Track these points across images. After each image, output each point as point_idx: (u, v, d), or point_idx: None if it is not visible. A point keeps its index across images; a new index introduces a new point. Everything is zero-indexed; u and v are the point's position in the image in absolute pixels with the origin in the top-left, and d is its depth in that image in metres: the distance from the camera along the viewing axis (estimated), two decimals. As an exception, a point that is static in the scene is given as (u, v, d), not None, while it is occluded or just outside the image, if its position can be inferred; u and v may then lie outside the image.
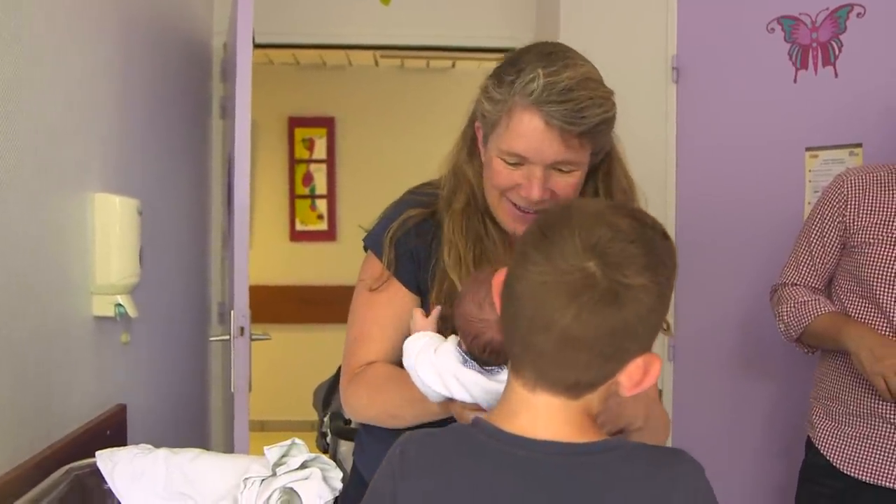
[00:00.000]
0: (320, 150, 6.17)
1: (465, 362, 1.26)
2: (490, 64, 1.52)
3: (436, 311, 1.40)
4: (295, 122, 6.16)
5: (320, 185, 6.19)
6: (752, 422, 2.88)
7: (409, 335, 1.37)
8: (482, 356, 1.26)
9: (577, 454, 1.01)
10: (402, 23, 3.88)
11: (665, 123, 3.09)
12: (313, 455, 1.71)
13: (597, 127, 1.39)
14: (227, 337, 2.76)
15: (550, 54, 1.40)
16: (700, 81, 3.01)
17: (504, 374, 1.19)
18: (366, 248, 1.60)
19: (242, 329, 2.70)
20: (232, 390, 2.73)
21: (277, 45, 4.09)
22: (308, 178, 6.17)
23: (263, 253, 5.95)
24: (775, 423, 2.80)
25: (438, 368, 1.27)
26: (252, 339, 2.74)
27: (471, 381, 1.24)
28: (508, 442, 1.01)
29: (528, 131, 1.37)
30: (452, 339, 1.32)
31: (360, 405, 1.53)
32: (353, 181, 6.11)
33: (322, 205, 6.17)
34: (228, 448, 3.06)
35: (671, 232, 3.05)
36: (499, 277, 1.07)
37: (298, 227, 6.18)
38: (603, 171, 1.53)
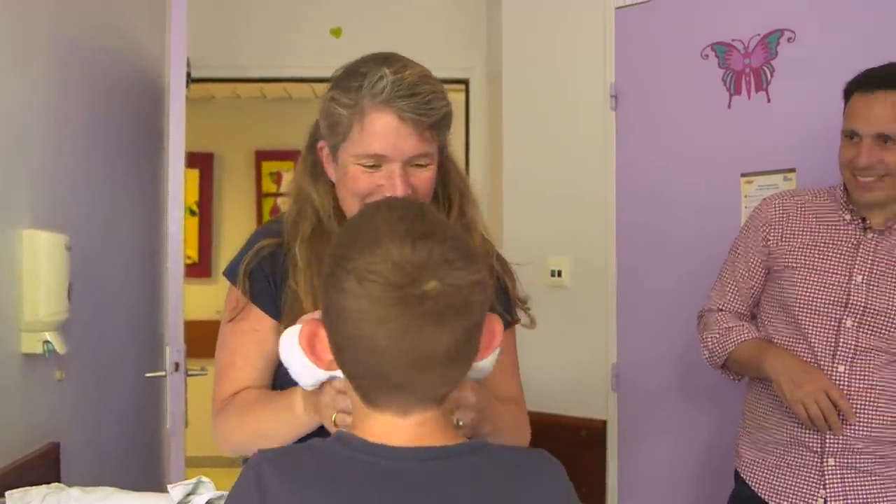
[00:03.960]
0: (288, 184, 6.16)
1: None
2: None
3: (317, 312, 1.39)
4: (262, 156, 6.17)
5: (288, 219, 6.16)
6: (693, 450, 2.86)
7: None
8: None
9: (442, 458, 1.00)
10: (358, 55, 3.89)
11: (604, 150, 3.09)
12: (219, 493, 1.69)
13: (444, 119, 1.45)
14: (163, 373, 2.73)
15: (387, 58, 1.44)
16: (638, 108, 3.01)
17: None
18: (227, 278, 1.60)
19: (177, 365, 2.68)
20: (167, 427, 2.70)
21: (219, 80, 4.14)
22: (275, 212, 6.15)
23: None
24: (714, 452, 2.77)
25: None
26: (188, 375, 2.72)
27: None
28: (372, 453, 1.00)
29: (383, 129, 1.40)
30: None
31: (232, 434, 1.51)
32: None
33: (290, 238, 6.15)
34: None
35: (612, 258, 3.09)
36: (317, 331, 1.06)
37: (266, 260, 6.15)
38: (441, 172, 1.55)
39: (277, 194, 6.18)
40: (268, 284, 1.54)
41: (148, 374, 2.85)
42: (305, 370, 1.26)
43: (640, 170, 3.01)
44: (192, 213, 5.99)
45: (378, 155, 1.42)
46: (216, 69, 3.81)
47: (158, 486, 3.53)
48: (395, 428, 1.01)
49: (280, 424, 1.41)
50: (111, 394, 3.01)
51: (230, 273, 1.58)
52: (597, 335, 3.11)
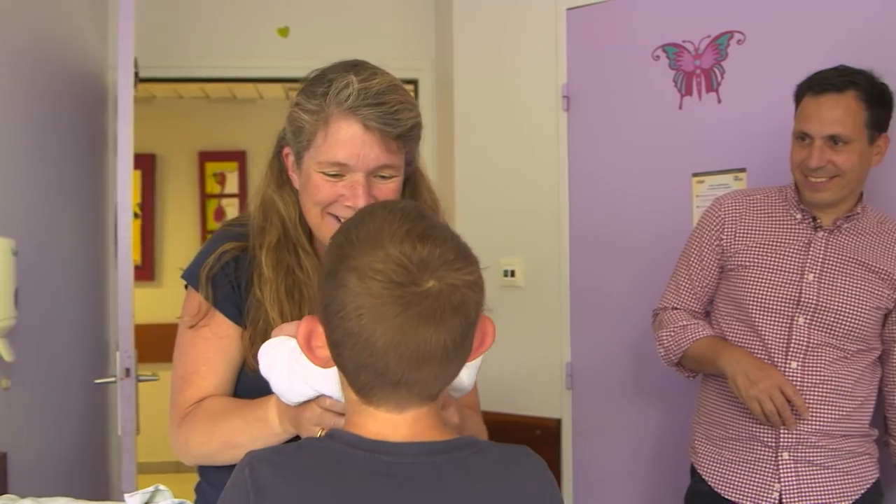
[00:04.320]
0: (232, 185, 6.09)
1: None
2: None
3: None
4: (205, 157, 6.08)
5: (232, 220, 6.09)
6: (648, 447, 2.89)
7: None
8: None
9: (440, 452, 1.02)
10: (305, 55, 3.87)
11: (557, 151, 3.10)
12: (178, 501, 1.66)
13: (411, 130, 1.42)
14: (113, 379, 2.67)
15: (356, 65, 1.41)
16: (590, 109, 3.03)
17: None
18: (186, 284, 1.56)
19: (128, 370, 2.63)
20: (119, 433, 2.65)
21: (164, 80, 4.06)
22: (220, 213, 6.07)
23: (175, 290, 5.83)
24: (668, 448, 2.81)
25: (308, 370, 1.23)
26: (139, 381, 2.67)
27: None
28: (372, 449, 1.00)
29: (348, 138, 1.37)
30: None
31: (197, 442, 1.47)
32: (266, 216, 6.04)
33: (235, 240, 6.08)
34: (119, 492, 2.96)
35: (565, 258, 3.10)
36: (314, 328, 1.05)
37: (211, 262, 6.06)
38: (410, 186, 1.54)
39: (221, 195, 6.10)
40: (232, 290, 1.50)
41: (98, 381, 2.79)
42: (293, 386, 1.25)
43: (592, 170, 3.03)
44: (135, 215, 5.88)
45: (341, 164, 1.39)
46: (159, 69, 3.74)
47: (107, 494, 3.48)
48: (391, 424, 1.02)
49: (252, 436, 1.38)
50: (58, 401, 2.93)
51: (191, 277, 1.54)
52: (551, 334, 3.12)
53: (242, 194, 6.10)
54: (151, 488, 1.67)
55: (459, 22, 3.41)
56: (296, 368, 1.24)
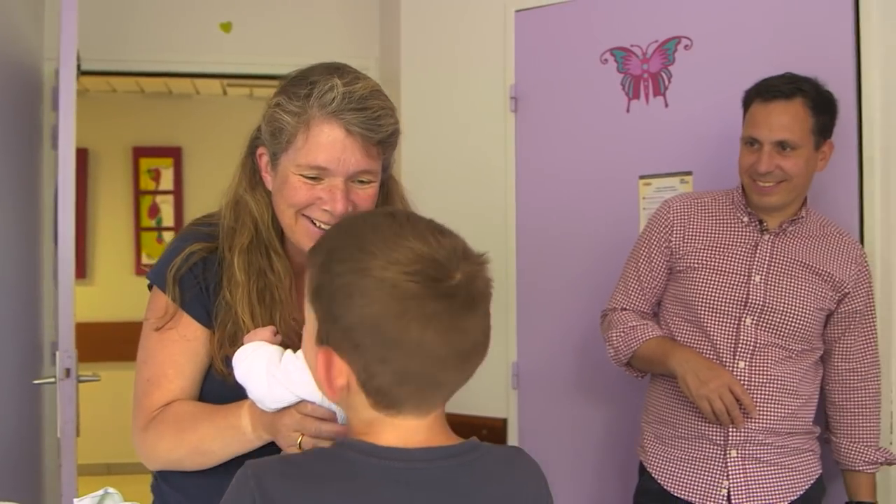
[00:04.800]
0: (167, 181, 5.99)
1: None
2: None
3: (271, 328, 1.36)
4: (139, 152, 5.97)
5: (167, 217, 6.01)
6: (595, 446, 2.91)
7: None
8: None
9: (450, 456, 1.02)
10: (245, 50, 3.83)
11: (504, 152, 3.11)
12: (127, 504, 1.62)
13: (391, 137, 1.41)
14: (53, 379, 2.60)
15: (338, 69, 1.40)
16: (538, 110, 3.05)
17: None
18: (150, 286, 1.53)
19: (68, 371, 2.56)
20: (58, 435, 2.58)
21: (106, 73, 3.97)
22: (154, 210, 5.97)
23: (107, 288, 5.74)
24: (615, 447, 2.84)
25: (288, 375, 1.23)
26: (80, 381, 2.60)
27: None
28: (384, 456, 0.99)
29: (330, 142, 1.36)
30: (290, 352, 1.27)
31: (165, 448, 1.44)
32: (203, 212, 5.94)
33: (170, 237, 5.98)
34: (58, 495, 2.88)
35: (512, 258, 3.11)
36: (330, 358, 1.00)
37: (145, 260, 5.96)
38: (383, 192, 1.53)
39: (156, 192, 5.99)
40: (200, 292, 1.47)
41: (36, 381, 2.71)
42: (272, 392, 1.24)
43: (539, 171, 3.04)
44: (66, 211, 5.74)
45: (321, 167, 1.37)
46: (96, 62, 3.64)
47: (41, 497, 3.38)
48: (412, 430, 1.01)
49: (224, 442, 1.36)
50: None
51: (157, 278, 1.50)
52: (497, 334, 3.08)
53: (178, 191, 6.00)
54: (100, 492, 1.62)
55: (407, 20, 3.39)
56: (275, 373, 1.23)
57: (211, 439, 1.38)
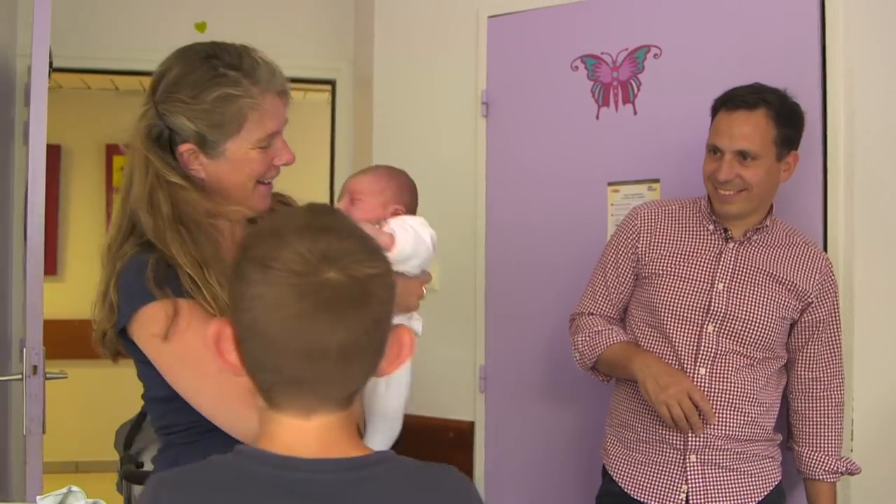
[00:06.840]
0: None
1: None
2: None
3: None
4: (113, 150, 5.93)
5: (140, 215, 5.95)
6: (560, 449, 2.94)
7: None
8: None
9: (352, 469, 0.99)
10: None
11: (475, 156, 3.13)
12: (91, 501, 1.62)
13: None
14: (20, 376, 2.59)
15: (230, 46, 1.55)
16: (508, 116, 3.07)
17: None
18: (133, 311, 1.48)
19: (35, 367, 2.55)
20: (24, 433, 2.57)
21: (80, 70, 3.96)
22: (127, 208, 5.93)
23: (79, 285, 5.70)
24: (579, 450, 2.86)
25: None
26: (47, 379, 2.59)
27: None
28: (279, 465, 0.98)
29: (274, 108, 1.54)
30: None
31: None
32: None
33: (143, 235, 5.96)
34: (21, 493, 2.87)
35: (481, 263, 3.13)
36: (223, 330, 1.02)
37: (117, 258, 5.92)
38: None
39: (129, 190, 5.96)
40: (179, 286, 1.47)
41: (2, 378, 2.70)
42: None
43: (509, 176, 3.07)
44: (37, 207, 5.71)
45: (272, 133, 1.54)
46: (69, 59, 3.62)
47: (7, 495, 3.36)
48: (299, 432, 0.99)
49: None
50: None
51: (144, 294, 1.46)
52: (465, 338, 3.15)
53: (152, 189, 5.97)
54: (64, 490, 1.63)
55: (380, 24, 3.41)
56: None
57: None
